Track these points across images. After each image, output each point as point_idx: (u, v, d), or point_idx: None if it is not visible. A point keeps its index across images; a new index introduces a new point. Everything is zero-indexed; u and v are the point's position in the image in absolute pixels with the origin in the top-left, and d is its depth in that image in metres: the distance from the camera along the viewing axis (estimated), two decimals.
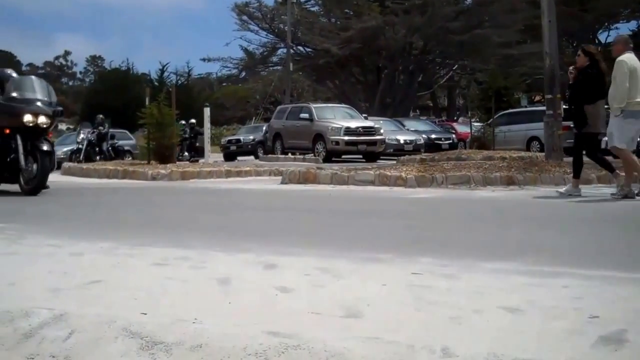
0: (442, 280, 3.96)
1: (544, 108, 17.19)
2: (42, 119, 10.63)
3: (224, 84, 75.93)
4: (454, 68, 50.67)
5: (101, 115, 26.39)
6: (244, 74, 57.66)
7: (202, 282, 3.97)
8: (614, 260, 4.68)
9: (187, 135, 28.74)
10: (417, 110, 65.91)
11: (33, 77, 12.50)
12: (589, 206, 9.03)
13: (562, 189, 10.33)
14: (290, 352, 2.68)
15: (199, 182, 14.50)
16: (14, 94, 10.85)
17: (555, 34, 16.13)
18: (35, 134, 10.66)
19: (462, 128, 35.79)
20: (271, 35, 49.06)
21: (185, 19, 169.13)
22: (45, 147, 10.66)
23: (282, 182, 13.51)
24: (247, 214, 8.31)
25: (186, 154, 27.86)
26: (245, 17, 47.06)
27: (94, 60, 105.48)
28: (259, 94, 57.89)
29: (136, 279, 4.06)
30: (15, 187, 10.97)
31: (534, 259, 4.66)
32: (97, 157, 24.65)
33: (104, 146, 25.52)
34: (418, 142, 27.88)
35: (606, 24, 53.44)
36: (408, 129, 30.45)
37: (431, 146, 28.34)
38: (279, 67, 50.32)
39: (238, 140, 34.02)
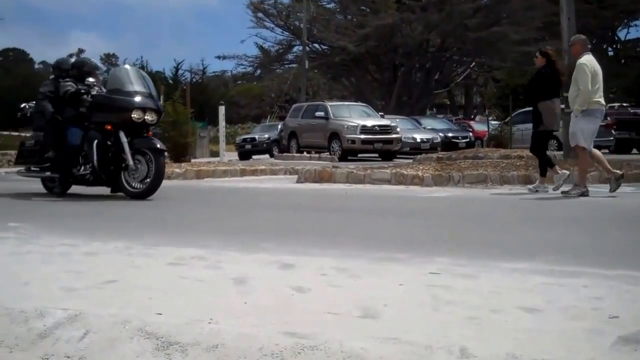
0: (459, 280, 3.92)
1: (562, 106, 17.10)
2: (150, 116, 9.74)
3: (239, 82, 76.11)
4: (471, 66, 50.54)
5: None
6: (259, 71, 57.83)
7: (218, 282, 3.95)
8: (633, 260, 4.64)
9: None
10: (434, 109, 65.80)
11: (128, 67, 11.40)
12: (596, 204, 8.97)
13: (531, 186, 10.84)
14: (306, 353, 2.65)
15: (214, 181, 14.49)
16: (118, 87, 9.89)
17: (574, 32, 16.02)
18: (139, 131, 9.73)
19: (479, 126, 35.70)
20: (287, 33, 49.09)
21: (200, 16, 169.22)
22: (158, 145, 9.67)
23: (298, 181, 13.49)
24: (262, 213, 8.29)
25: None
26: (260, 14, 47.11)
27: (108, 58, 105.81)
28: (274, 92, 57.90)
29: (151, 279, 4.05)
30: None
31: (552, 258, 4.62)
32: None
33: None
34: (435, 141, 27.83)
35: (625, 20, 53.16)
36: (425, 128, 30.39)
37: (448, 145, 28.28)
38: (294, 65, 50.35)
39: (253, 139, 34.05)
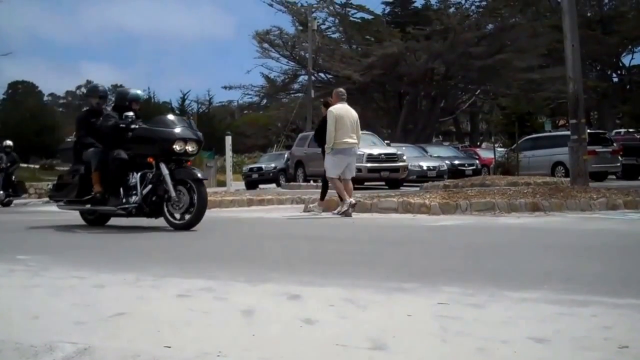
0: (468, 310, 3.91)
1: (568, 133, 17.11)
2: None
3: (245, 112, 76.44)
4: (476, 93, 50.69)
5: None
6: (265, 101, 58.06)
7: (226, 313, 3.95)
8: None
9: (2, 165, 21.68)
10: (440, 136, 65.93)
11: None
12: (593, 231, 8.94)
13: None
14: None
15: (221, 212, 14.50)
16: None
17: (579, 58, 16.08)
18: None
19: (485, 154, 35.71)
20: (292, 63, 49.31)
21: (207, 47, 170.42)
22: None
23: (305, 211, 13.50)
24: (269, 243, 8.29)
25: None
26: (266, 45, 47.36)
27: (115, 89, 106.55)
28: (280, 122, 58.07)
29: (160, 311, 4.05)
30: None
31: (562, 287, 4.60)
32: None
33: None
34: (441, 169, 27.82)
35: (629, 47, 53.31)
36: (431, 155, 30.42)
37: (454, 172, 28.29)
38: (300, 94, 50.52)
39: (260, 168, 34.12)
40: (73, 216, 11.11)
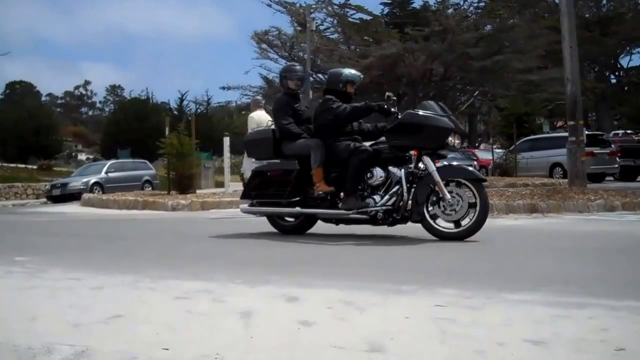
0: (466, 313, 3.92)
1: (566, 134, 17.13)
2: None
3: (244, 112, 76.33)
4: (474, 94, 50.66)
5: None
6: (263, 102, 57.99)
7: (224, 316, 3.96)
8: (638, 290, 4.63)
9: None
10: None
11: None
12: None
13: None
14: None
15: (220, 212, 14.50)
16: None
17: (577, 60, 16.09)
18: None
19: (483, 155, 35.70)
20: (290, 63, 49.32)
21: (206, 47, 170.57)
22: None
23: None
24: (267, 244, 8.28)
25: None
26: (264, 46, 47.32)
27: (114, 89, 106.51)
28: None
29: (157, 313, 4.05)
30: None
31: (559, 289, 4.61)
32: None
33: None
34: None
35: (628, 48, 53.35)
36: None
37: None
38: None
39: None
40: (67, 217, 11.07)
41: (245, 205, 9.51)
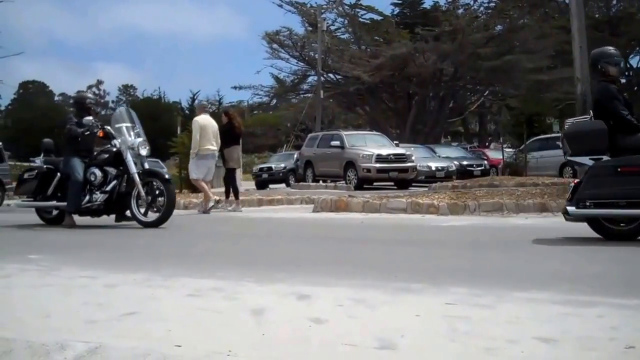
0: (476, 311, 3.93)
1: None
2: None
3: (255, 112, 76.46)
4: (485, 94, 50.61)
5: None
6: (274, 101, 58.02)
7: (236, 313, 3.98)
8: None
9: None
10: (449, 137, 65.79)
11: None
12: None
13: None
14: None
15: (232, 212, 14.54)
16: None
17: (587, 59, 16.02)
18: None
19: (494, 154, 35.65)
20: (301, 63, 49.24)
21: (218, 47, 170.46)
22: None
23: (314, 211, 13.54)
24: (279, 243, 8.31)
25: None
26: (275, 46, 47.33)
27: (126, 89, 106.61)
28: (290, 122, 58.04)
29: (170, 311, 4.08)
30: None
31: (569, 288, 4.62)
32: None
33: None
34: (450, 169, 27.80)
35: (638, 48, 53.08)
36: (439, 156, 30.40)
37: (463, 173, 28.25)
38: (309, 95, 50.47)
39: (269, 168, 34.12)
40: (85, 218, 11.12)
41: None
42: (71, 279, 5.32)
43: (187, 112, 58.75)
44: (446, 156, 30.62)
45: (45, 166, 11.07)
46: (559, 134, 30.89)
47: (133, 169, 10.20)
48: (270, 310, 4.02)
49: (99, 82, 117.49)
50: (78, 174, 10.44)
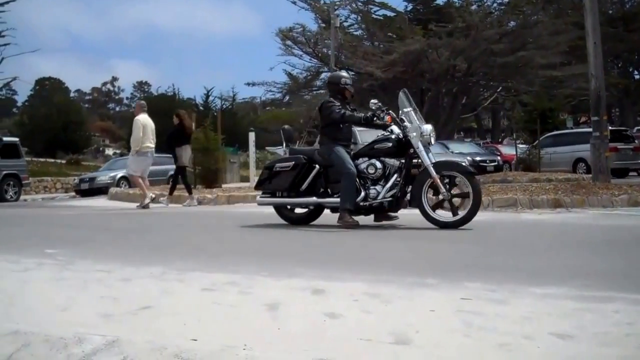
0: (490, 306, 3.93)
1: (590, 129, 17.05)
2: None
3: (268, 108, 76.47)
4: (498, 90, 50.39)
5: None
6: (287, 98, 57.96)
7: (251, 307, 4.00)
8: None
9: None
10: (462, 133, 65.68)
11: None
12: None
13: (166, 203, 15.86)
14: None
15: (245, 207, 14.57)
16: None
17: (601, 56, 15.99)
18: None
19: (507, 150, 35.58)
20: (315, 60, 49.17)
21: (232, 44, 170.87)
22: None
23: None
24: (293, 237, 8.33)
25: None
26: (289, 42, 47.28)
27: (141, 86, 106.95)
28: (303, 118, 57.97)
29: (185, 305, 4.10)
30: None
31: (584, 284, 4.61)
32: None
33: None
34: None
35: None
36: (452, 152, 30.30)
37: (476, 168, 28.11)
38: (322, 91, 50.43)
39: None
40: (95, 210, 11.16)
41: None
42: (87, 272, 5.33)
43: (201, 108, 58.77)
44: (459, 152, 30.52)
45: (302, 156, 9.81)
46: (572, 130, 30.87)
47: (427, 160, 9.10)
48: (285, 304, 4.03)
49: (114, 79, 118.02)
50: (351, 166, 9.31)
